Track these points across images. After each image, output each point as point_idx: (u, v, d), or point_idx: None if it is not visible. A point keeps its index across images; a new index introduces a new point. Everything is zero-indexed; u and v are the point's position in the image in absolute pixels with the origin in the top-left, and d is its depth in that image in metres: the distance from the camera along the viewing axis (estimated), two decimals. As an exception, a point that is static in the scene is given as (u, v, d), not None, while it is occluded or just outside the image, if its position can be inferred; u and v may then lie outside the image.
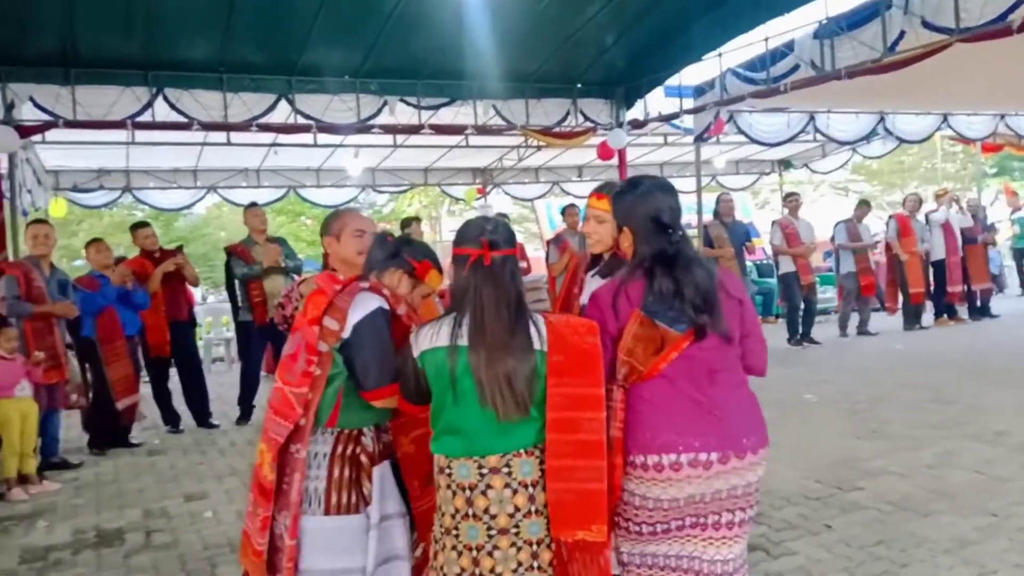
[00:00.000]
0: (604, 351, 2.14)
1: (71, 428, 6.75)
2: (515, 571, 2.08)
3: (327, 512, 2.30)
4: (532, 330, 2.12)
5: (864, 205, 10.91)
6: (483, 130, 9.70)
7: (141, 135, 9.63)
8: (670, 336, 2.15)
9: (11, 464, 5.23)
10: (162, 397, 7.01)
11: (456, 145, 12.04)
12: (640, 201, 2.30)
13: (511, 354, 2.08)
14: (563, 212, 9.56)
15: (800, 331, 10.05)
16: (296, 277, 7.41)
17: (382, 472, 2.38)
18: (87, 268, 6.99)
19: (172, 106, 8.06)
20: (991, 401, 6.06)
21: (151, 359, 6.90)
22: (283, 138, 10.53)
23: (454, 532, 2.12)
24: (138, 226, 7.21)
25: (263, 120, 8.54)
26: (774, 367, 8.51)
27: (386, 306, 2.38)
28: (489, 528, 2.09)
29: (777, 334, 11.22)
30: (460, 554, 2.10)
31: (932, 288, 11.04)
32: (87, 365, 6.41)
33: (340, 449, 2.33)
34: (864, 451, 4.99)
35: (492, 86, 9.26)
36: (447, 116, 9.56)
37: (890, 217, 11.09)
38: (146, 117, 8.09)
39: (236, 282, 7.12)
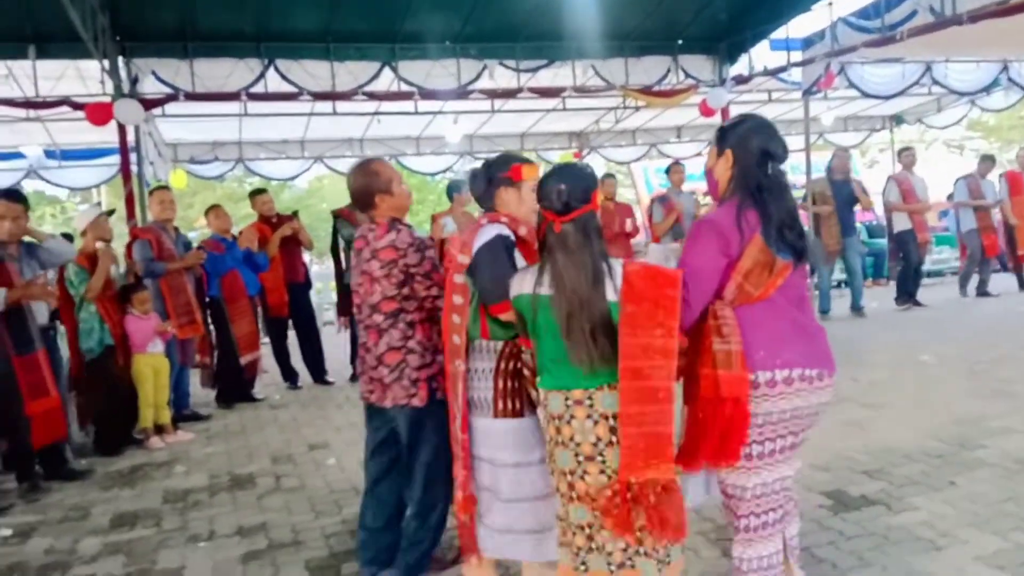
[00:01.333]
0: (714, 271, 2.28)
1: (196, 386, 7.18)
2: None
3: (495, 416, 2.61)
4: (608, 281, 2.23)
5: (988, 160, 10.24)
6: (582, 91, 9.64)
7: (253, 107, 10.05)
8: (779, 263, 2.28)
9: (147, 415, 5.64)
10: (281, 355, 7.37)
11: (553, 108, 12.02)
12: (754, 132, 2.39)
13: (591, 309, 2.22)
14: (667, 171, 9.38)
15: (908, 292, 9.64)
16: None
17: None
18: (202, 238, 7.35)
19: (283, 76, 8.37)
20: None
21: (270, 319, 7.26)
22: (385, 107, 10.77)
23: (552, 457, 2.34)
24: (256, 193, 7.54)
25: (368, 88, 8.75)
26: (886, 330, 8.32)
27: (505, 231, 2.58)
28: (577, 455, 2.27)
29: (886, 296, 10.84)
30: (558, 477, 2.32)
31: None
32: (212, 325, 6.80)
33: (503, 365, 2.61)
34: (987, 410, 4.79)
35: (591, 46, 9.19)
36: (545, 79, 9.56)
37: (1000, 175, 10.29)
38: (259, 88, 8.42)
39: (342, 244, 7.36)
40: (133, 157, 8.39)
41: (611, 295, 2.22)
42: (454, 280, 2.60)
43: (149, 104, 8.22)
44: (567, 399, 2.27)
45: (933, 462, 3.98)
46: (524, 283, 2.35)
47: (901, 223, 9.58)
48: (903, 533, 3.16)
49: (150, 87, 8.32)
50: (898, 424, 4.70)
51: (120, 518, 4.12)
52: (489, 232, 2.58)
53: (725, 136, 2.44)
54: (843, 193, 9.09)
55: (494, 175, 2.70)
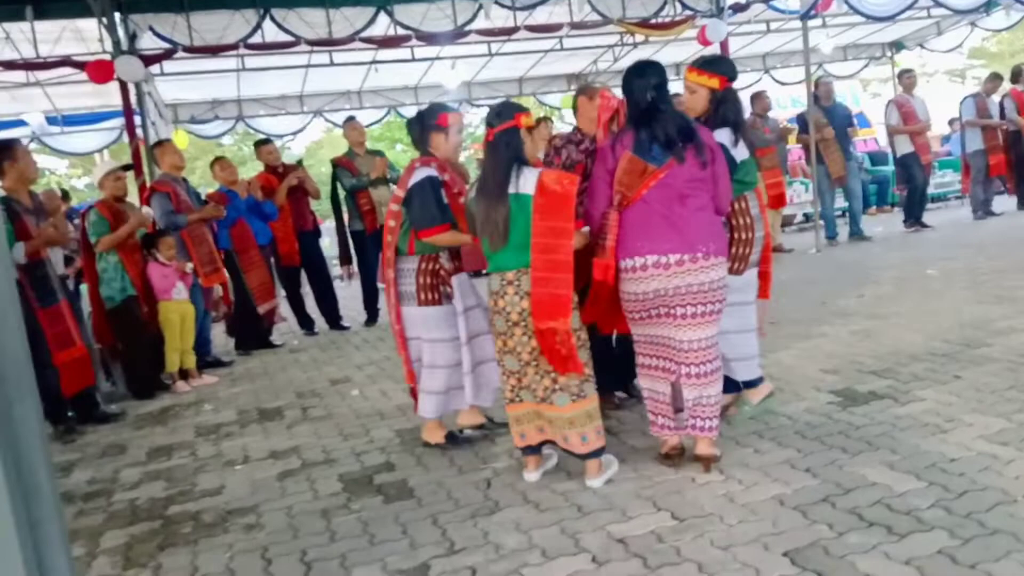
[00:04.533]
0: (604, 184, 3.03)
1: (216, 335, 7.33)
2: (530, 352, 3.00)
3: (419, 304, 3.52)
4: (524, 181, 2.92)
5: (995, 78, 10.14)
6: (579, 27, 9.59)
7: (251, 62, 10.07)
8: (650, 169, 2.92)
9: (174, 359, 5.79)
10: (296, 303, 7.51)
11: (551, 49, 11.95)
12: (632, 74, 3.09)
13: (498, 203, 2.95)
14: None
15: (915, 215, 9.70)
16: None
17: (460, 279, 3.56)
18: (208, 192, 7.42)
19: (279, 26, 8.34)
20: None
21: (283, 268, 7.37)
22: (382, 55, 10.75)
23: (492, 323, 3.10)
24: (261, 143, 7.60)
25: (365, 34, 8.72)
26: (891, 251, 8.44)
27: (434, 173, 3.40)
28: (508, 320, 3.00)
29: (891, 222, 10.91)
30: (496, 337, 3.09)
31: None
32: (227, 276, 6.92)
33: (423, 266, 3.51)
34: (991, 314, 4.90)
35: (587, -20, 9.13)
36: (542, 17, 9.50)
37: (1004, 95, 10.12)
38: (256, 39, 8.41)
39: (342, 193, 7.41)
40: (137, 120, 8.42)
41: (525, 188, 2.91)
42: (391, 208, 3.50)
43: (149, 60, 8.22)
44: (502, 279, 3.00)
45: (939, 360, 4.10)
46: (471, 192, 3.17)
47: (903, 146, 9.58)
48: (910, 421, 3.29)
49: (148, 43, 8.33)
50: (905, 330, 4.82)
51: (156, 451, 4.28)
52: (420, 173, 3.39)
53: (623, 87, 3.13)
54: (836, 117, 9.11)
55: (427, 123, 3.49)
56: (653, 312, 3.02)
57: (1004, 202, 10.42)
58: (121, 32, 7.98)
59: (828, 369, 4.20)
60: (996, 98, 10.00)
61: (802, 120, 9.08)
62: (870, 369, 4.10)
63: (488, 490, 3.13)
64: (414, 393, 3.70)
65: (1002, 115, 9.83)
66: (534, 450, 3.18)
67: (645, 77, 3.04)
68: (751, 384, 3.62)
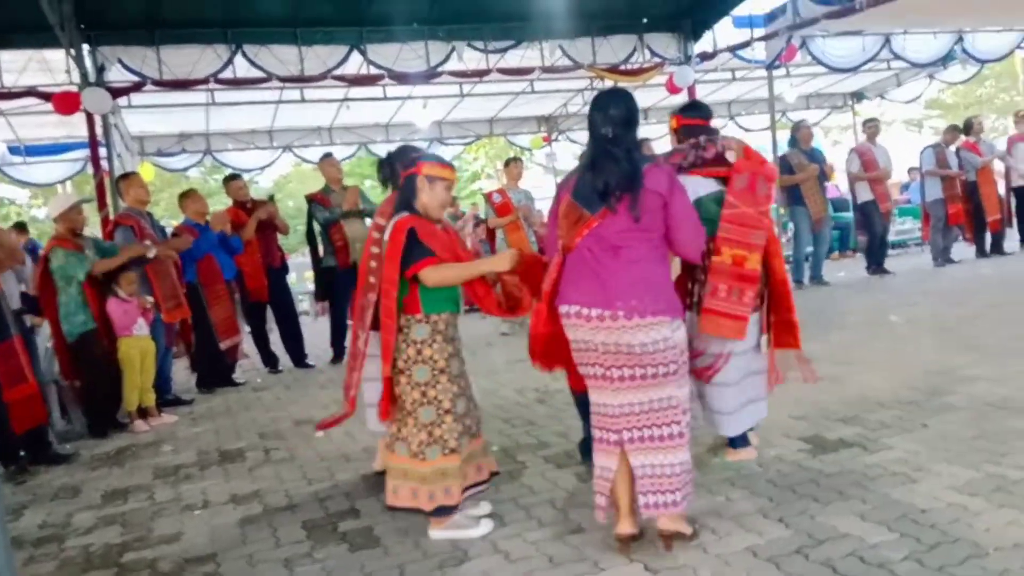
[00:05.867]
0: (555, 225, 2.89)
1: (177, 372, 7.17)
2: (451, 399, 3.05)
3: (373, 329, 3.38)
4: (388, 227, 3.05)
5: (954, 130, 10.45)
6: (550, 71, 9.72)
7: (220, 96, 10.01)
8: (585, 216, 2.73)
9: (133, 398, 5.63)
10: (261, 340, 7.38)
11: (522, 92, 12.10)
12: (591, 109, 2.85)
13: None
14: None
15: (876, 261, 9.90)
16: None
17: None
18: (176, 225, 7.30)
19: (251, 62, 8.34)
20: (1087, 314, 5.93)
21: (249, 304, 7.25)
22: (354, 92, 10.78)
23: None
24: (230, 178, 7.55)
25: (337, 72, 8.74)
26: (855, 296, 8.53)
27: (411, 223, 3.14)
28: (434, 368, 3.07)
29: (853, 267, 11.10)
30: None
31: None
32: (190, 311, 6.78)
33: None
34: (955, 362, 4.96)
35: (558, 26, 9.26)
36: (513, 60, 9.62)
37: (958, 147, 10.42)
38: (227, 75, 8.38)
39: (317, 229, 7.38)
40: (102, 152, 8.30)
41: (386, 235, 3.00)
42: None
43: (117, 92, 8.14)
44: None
45: (906, 408, 4.12)
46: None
47: (864, 194, 9.81)
48: (879, 470, 3.29)
49: (116, 76, 8.25)
50: (871, 376, 4.85)
51: (112, 494, 4.13)
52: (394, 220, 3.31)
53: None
54: (816, 160, 9.33)
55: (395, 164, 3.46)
56: (591, 373, 2.79)
57: (962, 250, 10.65)
58: (89, 64, 7.91)
59: (797, 415, 4.21)
60: (954, 148, 10.30)
61: (783, 162, 9.24)
62: (838, 416, 4.11)
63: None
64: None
65: (960, 166, 10.12)
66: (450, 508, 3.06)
67: (604, 111, 2.78)
68: (733, 442, 3.61)
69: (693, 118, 3.63)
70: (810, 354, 5.62)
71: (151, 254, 5.87)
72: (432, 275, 2.97)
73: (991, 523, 2.67)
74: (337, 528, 3.29)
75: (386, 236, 3.06)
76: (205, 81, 8.41)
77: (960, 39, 10.49)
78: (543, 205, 14.15)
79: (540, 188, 16.33)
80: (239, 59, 8.36)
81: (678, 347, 2.71)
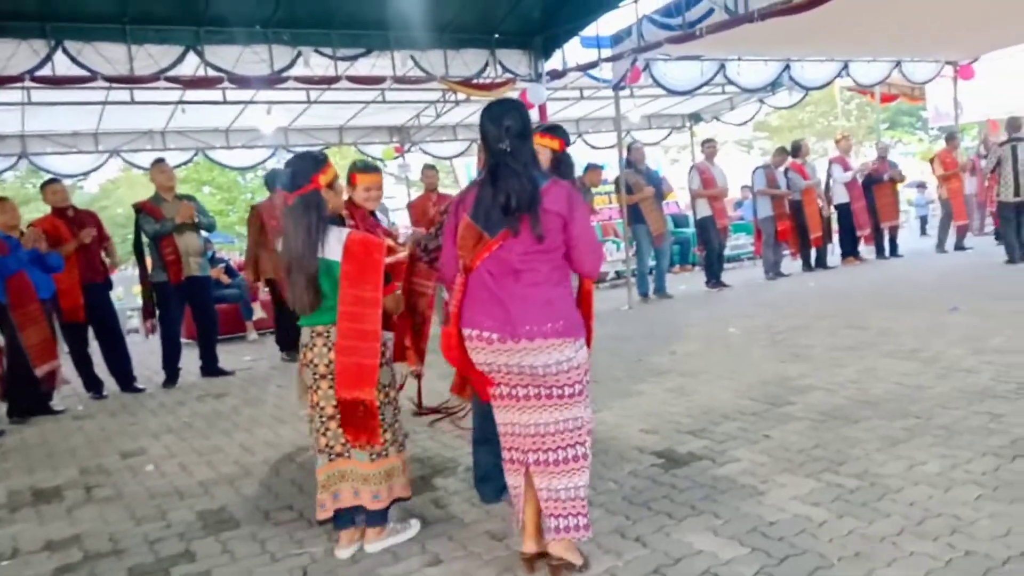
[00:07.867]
0: (451, 244, 2.76)
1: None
2: (334, 407, 2.90)
3: None
4: (330, 247, 2.82)
5: (782, 152, 11.24)
6: (402, 81, 9.54)
7: (37, 95, 9.14)
8: (484, 238, 2.62)
9: (-74, 433, 4.97)
10: (82, 363, 6.74)
11: (372, 101, 11.84)
12: (482, 120, 2.70)
13: (305, 265, 2.82)
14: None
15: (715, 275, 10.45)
16: (205, 234, 7.20)
17: None
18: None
19: (73, 59, 7.63)
20: (901, 325, 6.42)
21: (65, 324, 6.61)
22: (190, 95, 10.16)
23: (300, 375, 3.07)
24: (48, 183, 6.86)
25: (171, 73, 8.18)
26: (696, 309, 8.90)
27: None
28: (315, 373, 2.93)
29: (693, 280, 11.65)
30: (306, 391, 3.00)
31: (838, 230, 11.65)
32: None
33: None
34: (790, 372, 5.25)
35: (409, 36, 9.11)
36: (364, 68, 9.36)
37: (786, 168, 11.12)
38: (46, 72, 7.64)
39: (145, 241, 6.86)
40: None
41: (331, 255, 2.82)
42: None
43: (-90, 88, 7.24)
44: (312, 331, 2.94)
45: (748, 419, 4.29)
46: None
47: (703, 210, 10.38)
48: (728, 483, 3.37)
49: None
50: (714, 388, 5.04)
51: None
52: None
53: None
54: (651, 180, 9.82)
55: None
56: (497, 393, 2.71)
57: (790, 264, 11.42)
58: None
59: (648, 429, 4.27)
60: (782, 169, 11.04)
61: (621, 182, 9.64)
62: (687, 429, 4.21)
63: (304, 579, 2.85)
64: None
65: (787, 185, 10.89)
66: (347, 520, 3.00)
67: (498, 123, 2.64)
68: None
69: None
70: (658, 366, 5.87)
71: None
72: None
73: (834, 533, 2.77)
74: (169, 574, 2.98)
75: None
76: (20, 79, 7.62)
77: (788, 67, 11.24)
78: (397, 217, 13.96)
79: (393, 199, 16.11)
80: (60, 56, 7.64)
81: (581, 367, 2.64)
